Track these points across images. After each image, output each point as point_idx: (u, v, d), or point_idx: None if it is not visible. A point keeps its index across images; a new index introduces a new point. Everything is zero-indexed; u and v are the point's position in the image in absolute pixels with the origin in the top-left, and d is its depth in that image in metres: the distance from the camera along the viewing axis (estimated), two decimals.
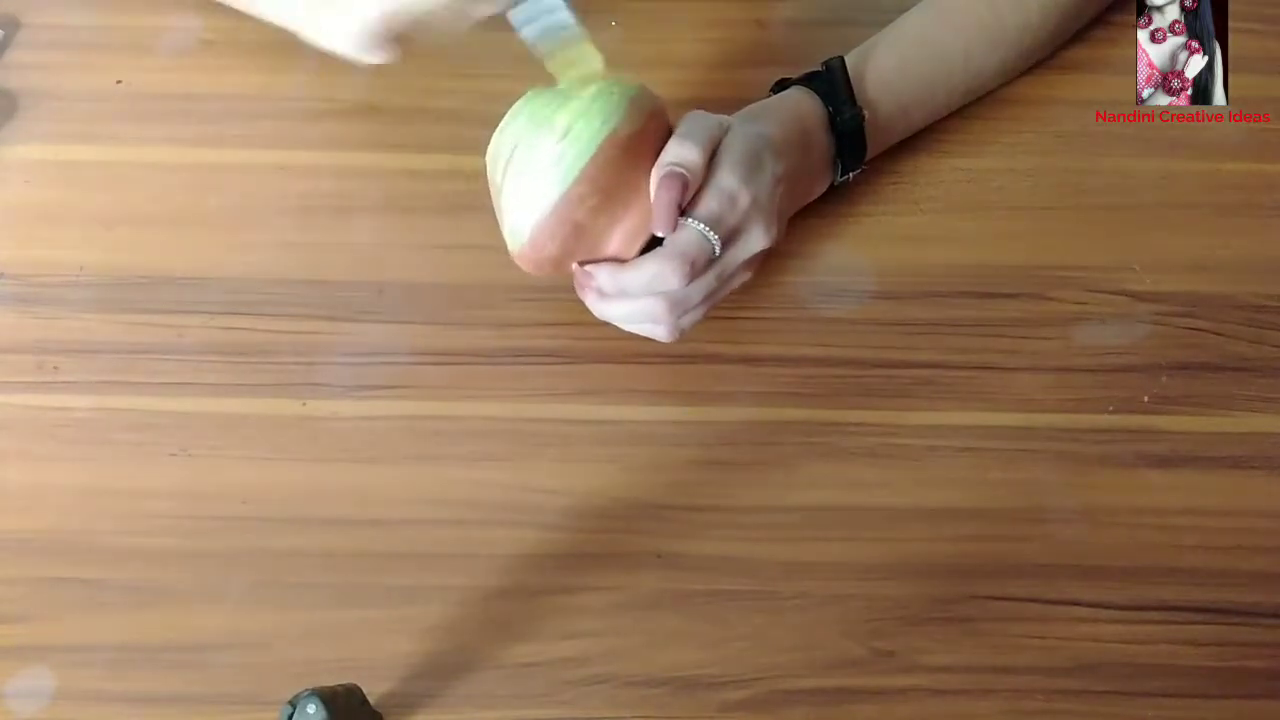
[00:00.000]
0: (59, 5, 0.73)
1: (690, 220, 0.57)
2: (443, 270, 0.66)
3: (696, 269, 0.57)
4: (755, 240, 0.59)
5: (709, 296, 0.59)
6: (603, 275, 0.59)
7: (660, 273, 0.57)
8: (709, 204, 0.57)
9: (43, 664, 0.58)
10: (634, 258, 0.58)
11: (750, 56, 0.70)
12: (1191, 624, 0.59)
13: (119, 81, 0.71)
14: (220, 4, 0.68)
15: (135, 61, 0.71)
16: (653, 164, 0.57)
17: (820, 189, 0.66)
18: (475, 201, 0.64)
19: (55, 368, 0.64)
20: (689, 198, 0.57)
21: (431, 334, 0.65)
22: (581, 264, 0.59)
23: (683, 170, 0.56)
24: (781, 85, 0.66)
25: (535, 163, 0.56)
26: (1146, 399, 0.64)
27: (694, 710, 0.57)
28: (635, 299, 0.59)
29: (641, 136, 0.57)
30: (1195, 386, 0.64)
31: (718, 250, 0.58)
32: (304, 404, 0.63)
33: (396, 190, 0.68)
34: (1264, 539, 0.61)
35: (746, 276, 0.61)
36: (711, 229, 0.57)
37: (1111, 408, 0.64)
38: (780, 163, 0.60)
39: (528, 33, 0.56)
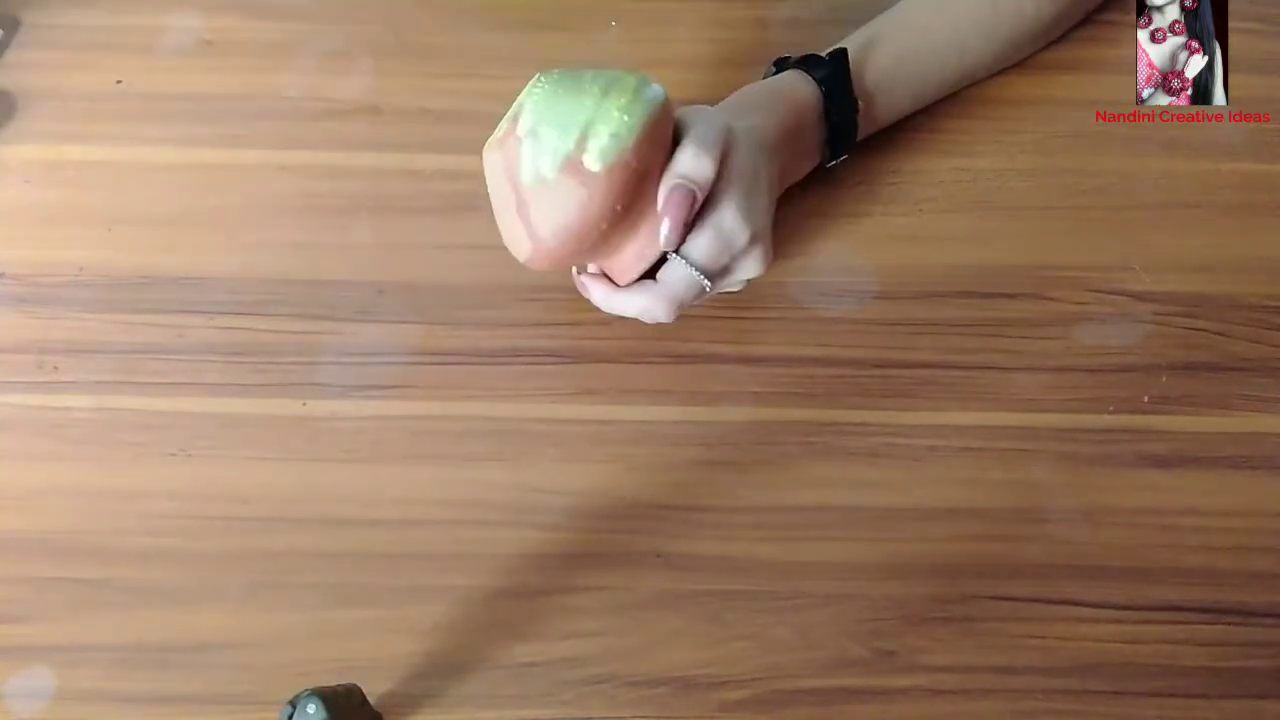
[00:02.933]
0: (59, 5, 0.73)
1: (683, 260, 0.57)
2: (442, 270, 0.66)
3: (684, 306, 0.58)
4: (749, 269, 0.59)
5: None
6: (597, 291, 0.60)
7: (650, 308, 0.58)
8: (706, 245, 0.57)
9: (43, 664, 0.58)
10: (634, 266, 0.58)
11: (750, 56, 0.70)
12: (1191, 624, 0.59)
13: (119, 81, 0.71)
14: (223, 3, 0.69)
15: (135, 61, 0.71)
16: (667, 155, 0.57)
17: (807, 170, 0.66)
18: (475, 202, 0.64)
19: (55, 368, 0.64)
20: (695, 211, 0.57)
21: (431, 334, 0.65)
22: (580, 274, 0.60)
23: (694, 187, 0.56)
24: (781, 64, 0.66)
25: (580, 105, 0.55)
26: (1146, 399, 0.64)
27: (694, 710, 0.57)
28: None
29: (665, 124, 0.57)
30: (1195, 386, 0.64)
31: (708, 290, 0.58)
32: (304, 404, 0.63)
33: (396, 190, 0.68)
34: (1264, 539, 0.61)
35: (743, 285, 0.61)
36: (703, 271, 0.57)
37: (1111, 408, 0.64)
38: (775, 161, 0.60)
39: None
